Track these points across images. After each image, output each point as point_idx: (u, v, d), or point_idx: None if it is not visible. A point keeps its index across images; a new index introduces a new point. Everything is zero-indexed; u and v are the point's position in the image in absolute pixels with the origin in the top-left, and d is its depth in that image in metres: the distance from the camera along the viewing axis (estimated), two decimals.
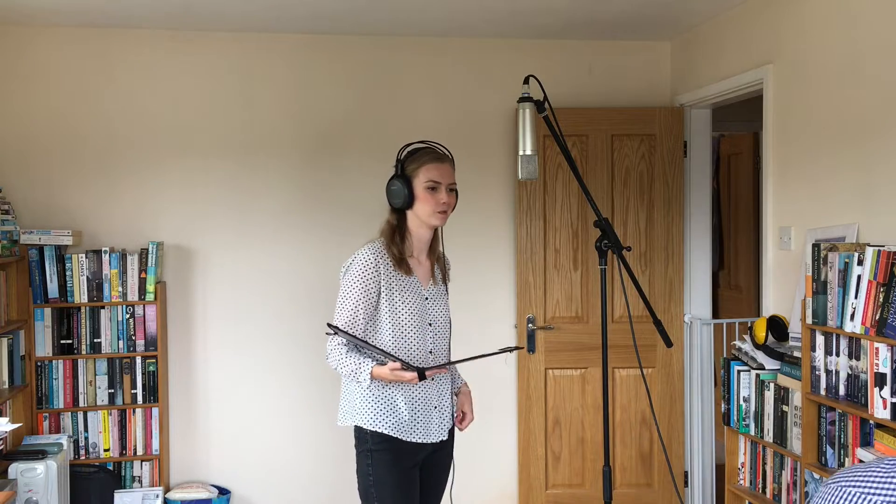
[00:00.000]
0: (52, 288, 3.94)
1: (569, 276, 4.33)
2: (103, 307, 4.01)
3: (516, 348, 2.85)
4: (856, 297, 2.61)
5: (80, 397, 4.00)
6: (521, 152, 2.53)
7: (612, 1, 3.72)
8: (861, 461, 2.60)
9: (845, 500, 1.07)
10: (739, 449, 3.42)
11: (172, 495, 4.04)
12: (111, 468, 4.03)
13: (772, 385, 3.16)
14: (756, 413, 3.25)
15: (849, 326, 2.64)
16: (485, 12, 3.88)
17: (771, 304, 3.58)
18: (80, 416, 4.00)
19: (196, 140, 4.20)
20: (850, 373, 2.68)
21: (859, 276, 2.61)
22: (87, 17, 3.92)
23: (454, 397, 2.72)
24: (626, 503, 4.29)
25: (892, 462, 1.08)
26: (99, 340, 4.01)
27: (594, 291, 4.33)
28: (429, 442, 2.58)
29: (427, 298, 2.62)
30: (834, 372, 2.74)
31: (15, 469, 3.59)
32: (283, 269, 4.27)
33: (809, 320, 2.84)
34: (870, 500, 1.05)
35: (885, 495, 1.04)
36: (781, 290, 3.51)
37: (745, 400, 3.31)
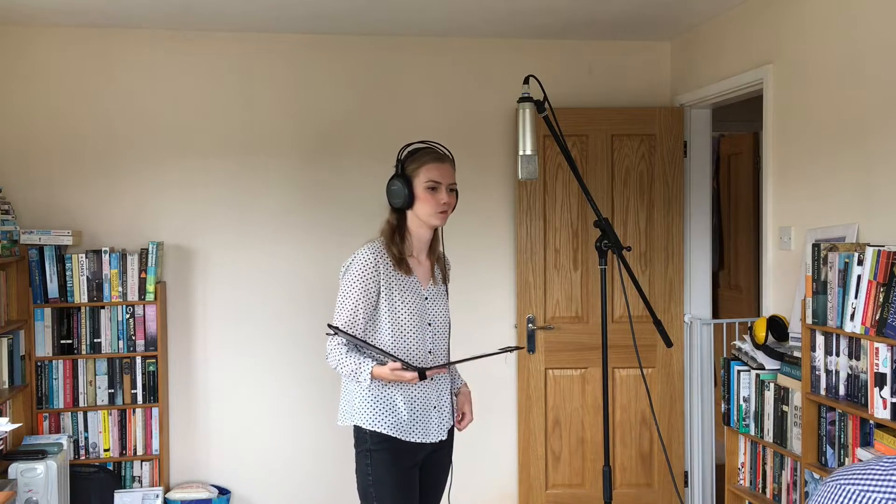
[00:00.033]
0: (52, 288, 3.94)
1: (569, 276, 4.33)
2: (103, 307, 4.01)
3: (516, 348, 2.86)
4: (856, 297, 2.61)
5: (80, 397, 4.00)
6: (521, 152, 2.53)
7: (612, 1, 3.72)
8: (861, 461, 2.60)
9: (844, 498, 1.07)
10: (739, 449, 3.42)
11: (172, 495, 4.04)
12: (111, 468, 4.03)
13: (772, 385, 3.16)
14: (756, 413, 3.25)
15: (849, 326, 2.64)
16: (485, 12, 3.88)
17: (771, 304, 3.58)
18: (80, 416, 4.00)
19: (196, 140, 4.20)
20: (850, 373, 2.68)
21: (859, 276, 2.61)
22: (87, 17, 3.92)
23: (454, 397, 2.72)
24: (626, 503, 4.29)
25: (890, 460, 1.08)
26: (99, 340, 4.01)
27: (594, 291, 4.33)
28: (428, 442, 2.58)
29: (426, 298, 2.62)
30: (834, 372, 2.74)
31: (15, 469, 3.59)
32: (283, 269, 4.27)
33: (809, 320, 2.84)
34: (869, 498, 1.05)
35: (884, 492, 1.04)
36: (781, 290, 3.51)
37: (745, 400, 3.31)
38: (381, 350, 2.48)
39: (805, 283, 2.91)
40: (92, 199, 4.12)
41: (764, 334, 3.25)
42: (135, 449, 4.06)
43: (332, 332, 2.49)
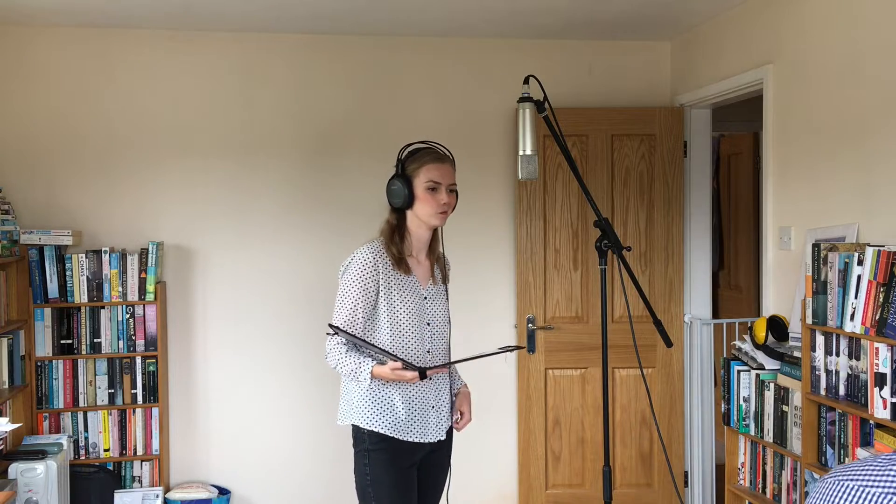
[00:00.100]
0: (52, 288, 3.94)
1: (569, 276, 4.33)
2: (103, 307, 4.01)
3: (516, 348, 2.85)
4: (856, 297, 2.61)
5: (80, 397, 4.00)
6: (521, 152, 2.53)
7: (612, 1, 3.72)
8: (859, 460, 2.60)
9: (844, 493, 1.07)
10: (739, 449, 3.42)
11: (172, 495, 4.04)
12: (111, 468, 4.03)
13: (772, 385, 3.16)
14: (756, 413, 3.25)
15: (849, 326, 2.64)
16: (485, 12, 3.88)
17: (771, 304, 3.58)
18: (80, 416, 4.00)
19: (196, 140, 4.20)
20: (850, 373, 2.68)
21: (859, 276, 2.61)
22: (87, 17, 3.92)
23: (453, 398, 2.72)
24: (626, 503, 4.29)
25: (888, 456, 1.09)
26: (99, 340, 4.01)
27: (594, 291, 4.33)
28: (426, 442, 2.58)
29: (426, 298, 2.62)
30: (834, 372, 2.74)
31: (15, 469, 3.59)
32: (283, 269, 4.27)
33: (809, 320, 2.84)
34: (868, 493, 1.05)
35: (883, 486, 1.04)
36: (781, 290, 3.52)
37: (745, 400, 3.31)
38: (382, 349, 2.48)
39: (805, 283, 2.91)
40: (92, 199, 4.13)
41: (764, 334, 3.25)
42: (135, 449, 4.06)
43: (333, 332, 2.49)
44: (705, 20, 4.07)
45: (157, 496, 4.00)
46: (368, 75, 4.31)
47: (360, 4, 3.73)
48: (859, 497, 1.05)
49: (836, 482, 1.09)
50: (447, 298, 2.71)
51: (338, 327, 2.48)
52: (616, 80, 4.47)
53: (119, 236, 4.14)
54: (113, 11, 3.81)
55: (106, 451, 4.02)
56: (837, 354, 2.73)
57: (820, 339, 2.81)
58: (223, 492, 4.17)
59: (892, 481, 1.04)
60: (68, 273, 3.95)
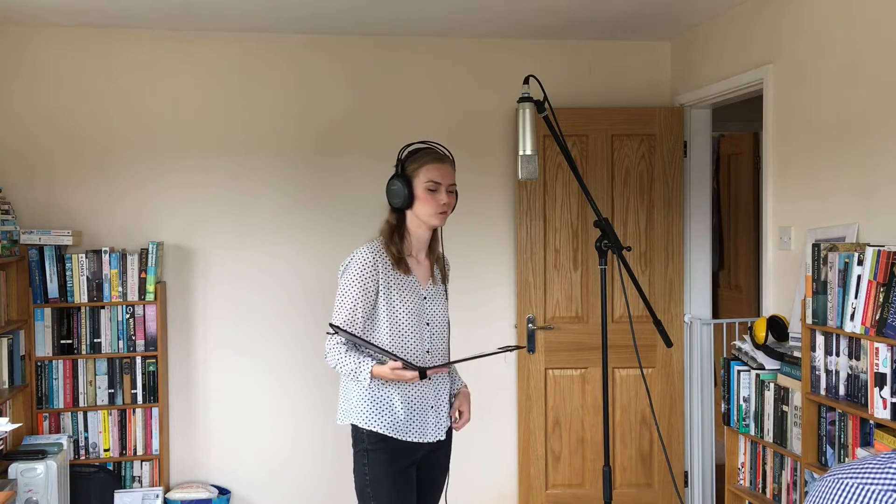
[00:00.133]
0: (52, 288, 3.94)
1: (569, 276, 4.33)
2: (103, 307, 4.01)
3: (516, 348, 2.86)
4: (856, 297, 2.61)
5: (80, 397, 4.00)
6: (521, 152, 2.53)
7: (612, 1, 3.72)
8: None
9: (843, 491, 1.07)
10: (739, 449, 3.42)
11: (172, 495, 4.04)
12: (111, 468, 4.03)
13: (772, 385, 3.16)
14: (756, 413, 3.25)
15: (849, 326, 2.64)
16: (485, 12, 3.88)
17: (771, 304, 3.58)
18: (80, 416, 4.00)
19: (196, 140, 4.20)
20: (850, 373, 2.68)
21: (859, 276, 2.61)
22: (87, 17, 3.92)
23: (452, 398, 2.72)
24: (626, 503, 4.29)
25: (886, 455, 1.09)
26: (99, 340, 4.01)
27: (594, 291, 4.33)
28: (425, 441, 2.58)
29: (425, 298, 2.62)
30: (834, 372, 2.74)
31: (15, 469, 3.59)
32: (283, 269, 4.27)
33: (809, 320, 2.84)
34: (867, 490, 1.05)
35: (882, 483, 1.04)
36: (781, 290, 3.52)
37: (745, 400, 3.31)
38: (382, 349, 2.48)
39: (805, 283, 2.91)
40: (92, 199, 4.12)
41: (764, 334, 3.25)
42: (135, 449, 4.06)
43: (333, 331, 2.49)
44: (705, 20, 4.07)
45: (157, 496, 4.00)
46: (368, 75, 4.31)
47: (360, 4, 3.73)
48: (859, 494, 1.05)
49: (836, 480, 1.09)
50: (447, 298, 2.71)
51: (338, 326, 2.48)
52: (616, 80, 4.47)
53: (119, 236, 4.14)
54: (113, 11, 3.81)
55: (106, 451, 4.02)
56: (837, 354, 2.73)
57: (820, 339, 2.81)
58: (223, 492, 4.17)
59: (892, 479, 1.04)
60: (68, 273, 3.95)
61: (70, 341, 3.99)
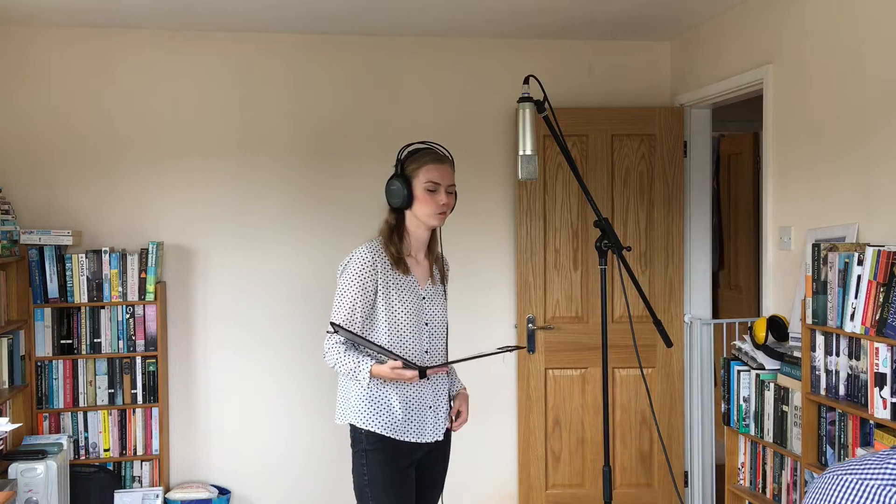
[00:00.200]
0: (52, 288, 3.94)
1: (569, 276, 4.33)
2: (103, 307, 4.01)
3: (516, 348, 2.86)
4: (856, 297, 2.61)
5: (80, 397, 4.00)
6: (521, 152, 2.53)
7: (612, 1, 3.72)
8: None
9: (842, 486, 1.07)
10: (739, 449, 3.42)
11: (172, 495, 4.04)
12: (111, 468, 4.03)
13: (772, 385, 3.16)
14: (756, 413, 3.25)
15: (849, 326, 2.64)
16: (485, 12, 3.88)
17: (771, 304, 3.58)
18: (80, 416, 4.00)
19: (196, 140, 4.20)
20: (850, 373, 2.68)
21: (859, 276, 2.61)
22: (87, 17, 3.92)
23: (451, 399, 2.72)
24: (626, 503, 4.29)
25: (885, 452, 1.09)
26: (99, 340, 4.01)
27: (594, 291, 4.33)
28: (423, 442, 2.58)
29: (424, 298, 2.62)
30: (834, 372, 2.74)
31: (15, 469, 3.59)
32: (283, 269, 4.27)
33: (809, 320, 2.84)
34: (865, 485, 1.05)
35: (881, 479, 1.04)
36: (781, 290, 3.51)
37: (745, 400, 3.31)
38: (382, 348, 2.48)
39: (805, 283, 2.91)
40: (92, 199, 4.12)
41: (764, 334, 3.25)
42: (135, 449, 4.06)
43: (333, 330, 2.49)
44: (705, 20, 4.07)
45: (157, 496, 4.00)
46: (368, 75, 4.31)
47: (360, 4, 3.73)
48: (858, 489, 1.05)
49: (835, 477, 1.09)
50: (445, 299, 2.71)
51: (339, 325, 2.48)
52: (616, 80, 4.47)
53: (119, 236, 4.14)
54: (113, 11, 3.81)
55: (106, 451, 4.02)
56: (837, 354, 2.73)
57: (820, 339, 2.81)
58: (223, 492, 4.17)
59: (891, 474, 1.04)
60: (68, 273, 3.95)
61: (70, 341, 3.99)
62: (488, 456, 4.38)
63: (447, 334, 2.71)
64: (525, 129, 2.52)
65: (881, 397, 2.49)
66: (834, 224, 3.09)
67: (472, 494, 4.30)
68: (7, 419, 3.50)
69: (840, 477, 1.08)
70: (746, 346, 3.36)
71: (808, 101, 3.27)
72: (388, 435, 2.51)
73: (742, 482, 3.42)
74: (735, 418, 3.37)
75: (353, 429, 2.56)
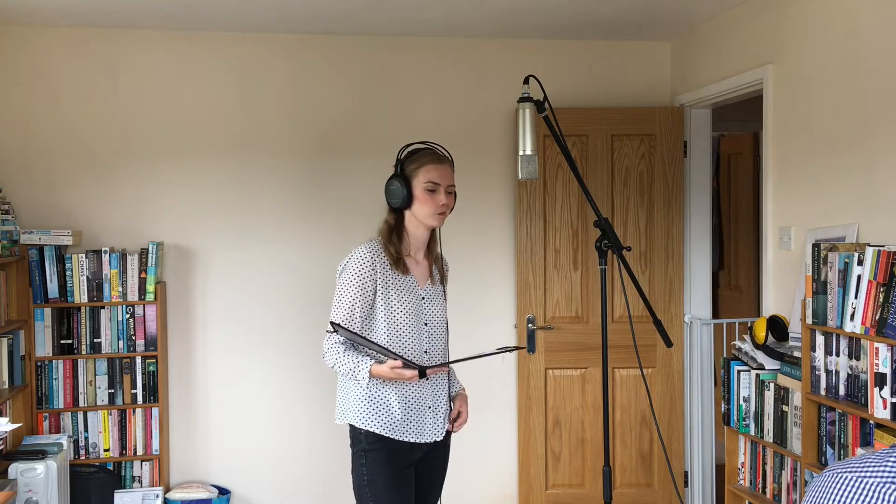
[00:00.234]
0: (52, 288, 3.94)
1: (569, 276, 4.33)
2: (103, 307, 4.01)
3: (516, 348, 2.86)
4: (856, 297, 2.61)
5: (80, 397, 4.00)
6: (521, 152, 2.53)
7: (612, 1, 3.72)
8: None
9: (841, 484, 1.07)
10: (739, 449, 3.42)
11: (172, 495, 4.04)
12: (111, 468, 4.03)
13: (772, 385, 3.16)
14: (756, 413, 3.25)
15: (849, 326, 2.64)
16: (485, 12, 3.88)
17: (771, 304, 3.58)
18: (80, 416, 4.00)
19: (196, 140, 4.20)
20: (850, 373, 2.68)
21: (859, 276, 2.61)
22: (87, 17, 3.92)
23: (450, 400, 2.71)
24: (626, 503, 4.29)
25: (885, 451, 1.09)
26: (99, 340, 4.01)
27: (594, 291, 4.33)
28: (422, 442, 2.58)
29: (423, 298, 2.62)
30: (834, 372, 2.74)
31: (15, 469, 3.59)
32: (283, 269, 4.27)
33: (809, 320, 2.84)
34: (865, 483, 1.05)
35: (880, 476, 1.04)
36: (781, 290, 3.51)
37: (745, 400, 3.31)
38: (382, 347, 2.48)
39: (805, 283, 2.91)
40: (92, 199, 4.12)
41: (764, 334, 3.25)
42: (135, 449, 4.06)
43: (333, 330, 2.49)
44: (705, 20, 4.07)
45: (157, 496, 4.00)
46: (368, 75, 4.31)
47: (360, 4, 3.73)
48: (857, 487, 1.05)
49: (834, 475, 1.09)
50: (445, 299, 2.71)
51: (339, 324, 2.48)
52: (616, 80, 4.47)
53: (119, 236, 4.14)
54: (113, 11, 3.81)
55: (106, 451, 4.03)
56: (837, 354, 2.73)
57: (820, 339, 2.81)
58: (223, 492, 4.17)
59: (890, 471, 1.04)
60: (68, 273, 3.95)
61: (70, 341, 3.99)
62: (488, 456, 4.38)
63: (447, 335, 2.71)
64: (525, 129, 2.52)
65: (881, 397, 2.49)
66: (834, 224, 3.09)
67: (472, 494, 4.30)
68: (7, 419, 3.50)
69: (840, 475, 1.09)
70: (746, 346, 3.36)
71: (808, 101, 3.27)
72: (386, 435, 2.51)
73: (742, 482, 3.42)
74: (735, 418, 3.37)
75: (353, 429, 2.57)
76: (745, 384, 3.32)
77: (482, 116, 4.38)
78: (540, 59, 4.36)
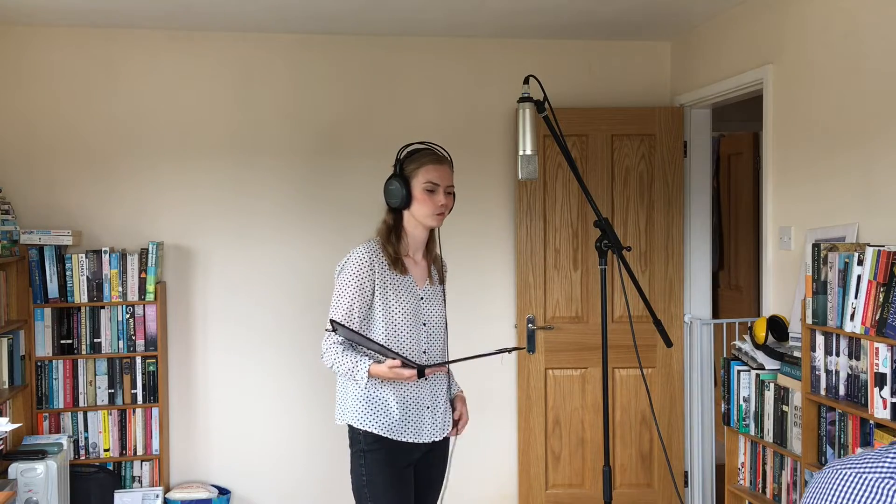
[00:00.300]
0: (52, 288, 3.94)
1: (569, 276, 4.33)
2: (103, 307, 4.01)
3: (516, 348, 2.86)
4: (856, 297, 2.61)
5: (80, 397, 4.00)
6: (521, 152, 2.53)
7: (612, 1, 3.72)
8: None
9: (841, 480, 1.08)
10: (739, 449, 3.42)
11: (172, 495, 4.04)
12: (111, 468, 4.03)
13: (772, 385, 3.16)
14: (756, 413, 3.25)
15: (849, 326, 2.64)
16: (485, 12, 3.88)
17: (771, 304, 3.58)
18: (80, 416, 4.00)
19: (196, 140, 4.20)
20: (850, 373, 2.68)
21: (859, 276, 2.61)
22: (87, 17, 3.92)
23: (449, 402, 2.71)
24: (625, 503, 4.29)
25: (885, 448, 1.09)
26: (99, 340, 4.01)
27: (594, 291, 4.33)
28: (421, 442, 2.58)
29: (422, 298, 2.62)
30: (834, 372, 2.74)
31: (15, 469, 3.59)
32: (283, 269, 4.27)
33: (809, 320, 2.84)
34: (864, 478, 1.05)
35: (880, 472, 1.05)
36: (781, 290, 3.51)
37: (745, 400, 3.31)
38: (381, 346, 2.48)
39: (805, 283, 2.91)
40: (92, 199, 4.12)
41: (764, 334, 3.25)
42: (135, 449, 4.06)
43: (333, 329, 2.49)
44: (705, 20, 4.07)
45: (157, 496, 4.00)
46: (368, 75, 4.31)
47: (360, 4, 3.73)
48: (857, 482, 1.06)
49: (834, 471, 1.10)
50: (444, 299, 2.71)
51: (339, 323, 2.47)
52: (616, 80, 4.47)
53: (119, 236, 4.14)
54: (113, 11, 3.81)
55: (106, 451, 4.03)
56: (837, 354, 2.73)
57: (820, 339, 2.81)
58: (223, 492, 4.17)
59: (889, 466, 1.05)
60: (68, 273, 3.95)
61: (70, 341, 3.99)
62: (488, 456, 4.38)
63: (447, 335, 2.70)
64: (525, 129, 2.52)
65: (881, 397, 2.49)
66: (834, 224, 3.09)
67: (472, 494, 4.30)
68: (7, 419, 3.50)
69: (839, 471, 1.09)
70: (746, 346, 3.36)
71: (809, 101, 3.27)
72: (385, 435, 2.51)
73: (742, 482, 3.42)
74: (735, 418, 3.37)
75: (352, 429, 2.57)
76: (745, 384, 3.32)
77: (482, 116, 4.38)
78: (540, 59, 4.36)
